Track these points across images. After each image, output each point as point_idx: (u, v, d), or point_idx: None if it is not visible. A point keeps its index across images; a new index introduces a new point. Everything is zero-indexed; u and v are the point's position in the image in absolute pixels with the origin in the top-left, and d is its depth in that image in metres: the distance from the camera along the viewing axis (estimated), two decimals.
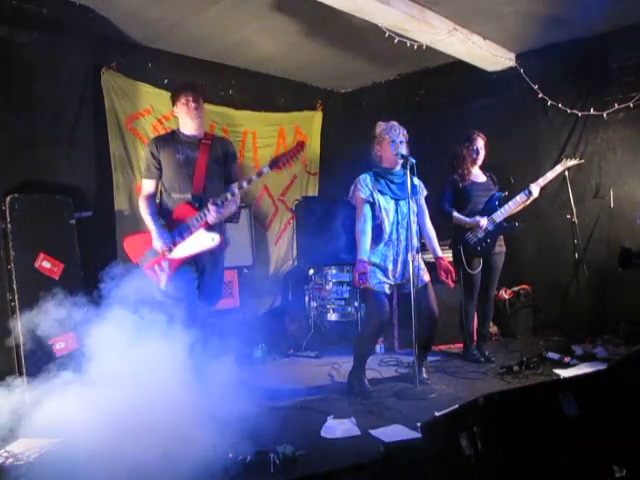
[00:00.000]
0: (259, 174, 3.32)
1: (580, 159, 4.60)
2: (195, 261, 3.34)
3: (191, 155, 3.36)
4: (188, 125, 3.41)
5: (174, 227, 3.31)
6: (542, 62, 5.32)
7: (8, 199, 3.77)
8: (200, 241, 3.28)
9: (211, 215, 3.21)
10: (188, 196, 3.32)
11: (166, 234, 3.28)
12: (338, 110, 6.88)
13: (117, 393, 2.58)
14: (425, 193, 3.89)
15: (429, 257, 4.18)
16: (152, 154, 3.39)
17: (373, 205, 3.64)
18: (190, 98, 3.36)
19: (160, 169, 3.40)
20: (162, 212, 3.41)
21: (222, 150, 3.49)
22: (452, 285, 3.77)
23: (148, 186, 3.44)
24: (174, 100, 3.43)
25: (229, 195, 3.30)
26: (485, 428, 1.69)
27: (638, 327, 4.58)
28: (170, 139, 3.45)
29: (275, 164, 3.29)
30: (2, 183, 3.90)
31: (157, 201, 3.49)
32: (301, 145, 3.36)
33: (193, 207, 3.30)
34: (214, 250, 3.35)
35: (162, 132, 4.94)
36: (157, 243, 3.26)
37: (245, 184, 3.37)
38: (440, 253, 3.83)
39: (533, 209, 4.72)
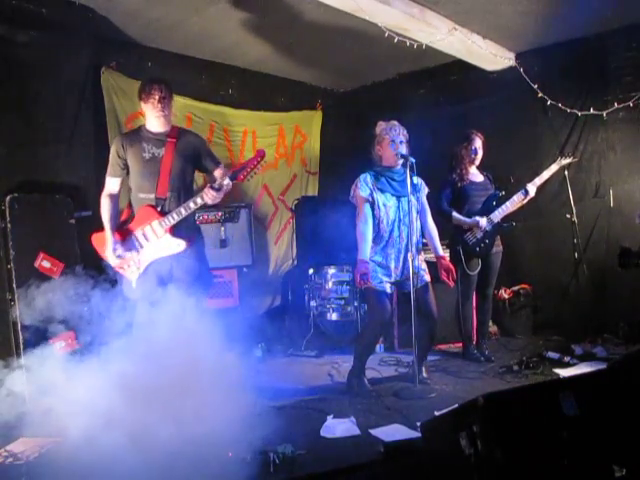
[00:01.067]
0: (219, 187, 3.25)
1: (574, 157, 4.60)
2: (162, 265, 3.31)
3: (157, 153, 3.32)
4: (153, 122, 3.35)
5: (137, 228, 3.33)
6: (542, 62, 5.33)
7: (8, 199, 3.77)
8: (166, 246, 3.29)
9: (208, 197, 3.23)
10: (152, 197, 3.31)
11: (118, 245, 3.30)
12: (338, 110, 6.87)
13: (116, 392, 2.58)
14: (427, 191, 3.90)
15: (429, 256, 4.18)
16: (117, 154, 3.36)
17: (373, 204, 3.65)
18: (155, 96, 3.27)
19: (125, 169, 3.39)
20: (130, 211, 3.45)
21: (191, 147, 3.42)
22: (452, 285, 3.78)
23: (112, 185, 3.43)
24: (140, 96, 3.33)
25: (225, 182, 3.26)
26: (485, 428, 1.69)
27: (638, 327, 4.58)
28: (137, 137, 3.39)
29: (235, 176, 3.28)
30: (2, 183, 3.90)
31: (127, 200, 3.51)
32: (261, 155, 3.35)
33: (156, 210, 3.29)
34: (182, 256, 3.30)
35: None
36: (109, 253, 3.30)
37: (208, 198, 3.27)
38: (441, 252, 3.83)
39: (533, 209, 4.73)
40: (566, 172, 4.62)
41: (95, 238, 3.49)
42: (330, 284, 5.19)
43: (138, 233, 3.33)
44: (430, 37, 4.72)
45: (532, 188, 4.37)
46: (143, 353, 2.69)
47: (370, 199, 3.64)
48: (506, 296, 5.37)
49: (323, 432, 2.90)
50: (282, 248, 6.30)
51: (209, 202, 3.28)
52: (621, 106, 4.90)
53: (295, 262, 6.19)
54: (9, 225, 3.73)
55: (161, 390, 2.56)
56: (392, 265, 3.64)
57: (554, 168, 4.47)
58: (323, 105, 6.70)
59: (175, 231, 3.29)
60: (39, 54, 4.19)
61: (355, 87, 6.86)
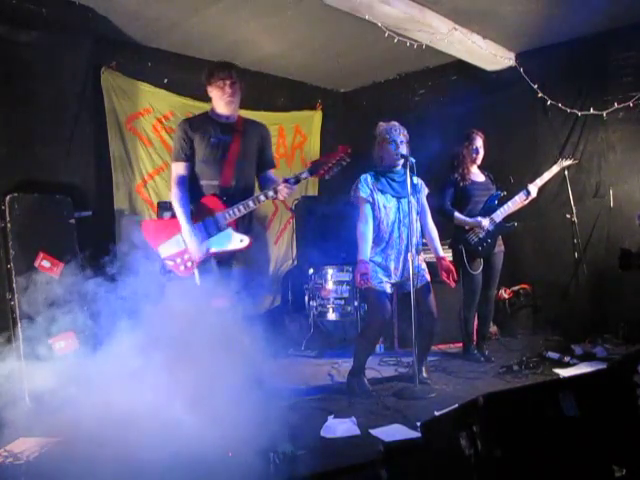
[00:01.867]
0: (297, 180, 3.05)
1: (575, 159, 4.61)
2: (221, 261, 3.10)
3: (224, 140, 3.13)
4: (222, 108, 3.19)
5: (199, 218, 3.07)
6: (542, 62, 5.33)
7: (8, 198, 3.77)
8: (228, 241, 3.05)
9: (282, 191, 3.02)
10: (216, 183, 3.09)
11: (199, 231, 3.03)
12: (338, 110, 6.88)
13: (117, 392, 2.58)
14: (426, 191, 3.90)
15: (430, 256, 4.18)
16: (184, 138, 3.14)
17: (373, 205, 3.65)
18: (227, 80, 3.12)
19: (190, 153, 3.15)
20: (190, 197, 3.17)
21: (257, 136, 3.27)
22: (453, 285, 3.77)
23: (179, 169, 3.15)
24: (209, 80, 3.17)
25: (303, 176, 3.04)
26: (485, 428, 1.68)
27: (638, 327, 4.58)
28: (202, 121, 3.22)
29: (315, 170, 3.04)
30: (2, 183, 3.90)
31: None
32: (344, 151, 3.04)
33: (221, 201, 3.06)
34: (243, 253, 3.10)
35: (167, 128, 5.02)
36: (192, 244, 3.00)
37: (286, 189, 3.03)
38: (442, 253, 3.83)
39: (533, 209, 4.73)
40: (566, 172, 4.63)
41: (146, 226, 3.23)
42: (330, 284, 5.19)
43: (198, 225, 3.05)
44: (430, 37, 4.73)
45: (534, 189, 4.38)
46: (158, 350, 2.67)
47: (370, 200, 3.65)
48: (506, 296, 5.37)
49: (323, 432, 2.90)
50: (282, 248, 6.30)
51: (281, 197, 3.07)
52: (621, 106, 4.91)
53: (295, 262, 6.19)
54: (9, 225, 3.73)
55: (164, 389, 2.56)
56: (392, 266, 3.64)
57: (555, 169, 4.48)
58: (323, 105, 6.70)
59: (239, 225, 3.07)
60: (39, 54, 4.19)
61: (355, 87, 6.87)
